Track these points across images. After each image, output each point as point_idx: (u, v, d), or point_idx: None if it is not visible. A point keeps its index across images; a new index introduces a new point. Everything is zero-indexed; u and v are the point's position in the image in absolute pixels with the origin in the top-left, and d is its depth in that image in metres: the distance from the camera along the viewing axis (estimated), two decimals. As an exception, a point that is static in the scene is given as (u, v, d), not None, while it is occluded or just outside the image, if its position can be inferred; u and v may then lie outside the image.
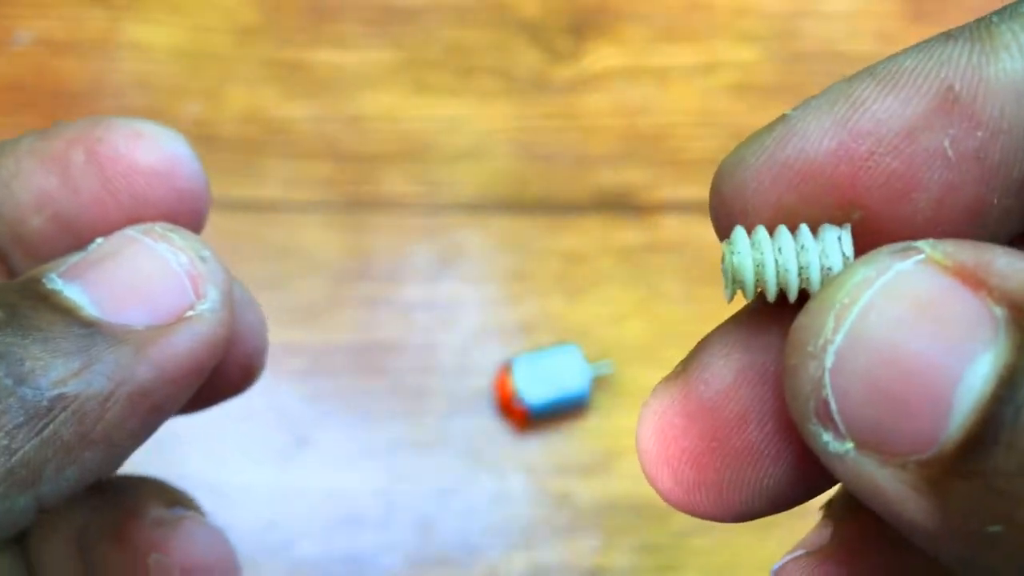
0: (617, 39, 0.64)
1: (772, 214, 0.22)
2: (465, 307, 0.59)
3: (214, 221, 0.60)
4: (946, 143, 0.21)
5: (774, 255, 0.22)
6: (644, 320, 0.58)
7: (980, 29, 0.22)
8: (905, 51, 0.22)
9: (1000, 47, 0.21)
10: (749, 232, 0.23)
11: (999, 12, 0.22)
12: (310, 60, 0.64)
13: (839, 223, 0.22)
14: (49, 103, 0.62)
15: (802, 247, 0.22)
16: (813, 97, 0.22)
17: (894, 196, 0.21)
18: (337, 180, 0.61)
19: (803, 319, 0.21)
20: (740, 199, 0.23)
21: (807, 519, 0.25)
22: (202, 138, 0.61)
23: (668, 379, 0.24)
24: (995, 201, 0.21)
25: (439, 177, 0.61)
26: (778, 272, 0.22)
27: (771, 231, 0.23)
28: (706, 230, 0.65)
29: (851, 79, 0.22)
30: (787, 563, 0.24)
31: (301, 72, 0.64)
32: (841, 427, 0.20)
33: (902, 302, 0.19)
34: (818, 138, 0.22)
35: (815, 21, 0.64)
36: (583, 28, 0.64)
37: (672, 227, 0.60)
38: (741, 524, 0.24)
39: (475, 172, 0.61)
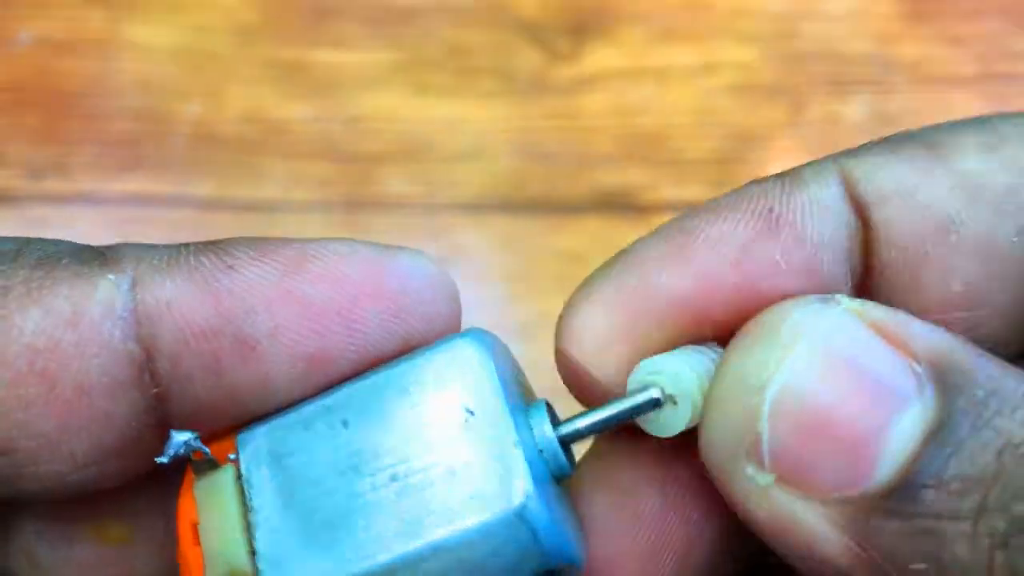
0: (616, 39, 0.64)
1: (628, 343, 0.23)
2: (465, 307, 0.58)
3: (214, 221, 0.60)
4: (777, 255, 0.22)
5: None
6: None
7: (790, 172, 0.24)
8: (724, 194, 0.24)
9: (809, 180, 0.23)
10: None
11: (801, 166, 0.24)
12: (310, 60, 0.64)
13: (694, 342, 0.23)
14: (49, 103, 0.62)
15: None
16: (649, 233, 0.24)
17: (738, 310, 0.22)
18: (337, 180, 0.61)
19: (742, 355, 0.22)
20: (592, 334, 0.23)
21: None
22: (202, 138, 0.61)
23: None
24: None
25: (438, 177, 0.61)
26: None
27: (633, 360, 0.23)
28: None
29: (680, 215, 0.24)
30: None
31: (301, 72, 0.63)
32: (767, 460, 0.21)
33: (836, 349, 0.21)
34: (657, 262, 0.23)
35: (814, 21, 0.64)
36: (583, 28, 0.64)
37: (672, 227, 0.60)
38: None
39: (475, 172, 0.61)
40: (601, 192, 0.61)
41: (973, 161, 0.23)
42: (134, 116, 0.62)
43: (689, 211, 0.24)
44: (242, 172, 0.61)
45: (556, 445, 0.23)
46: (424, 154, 0.62)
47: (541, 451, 0.22)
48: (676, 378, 0.22)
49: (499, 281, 0.59)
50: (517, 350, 0.59)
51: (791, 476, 0.21)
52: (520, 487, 0.21)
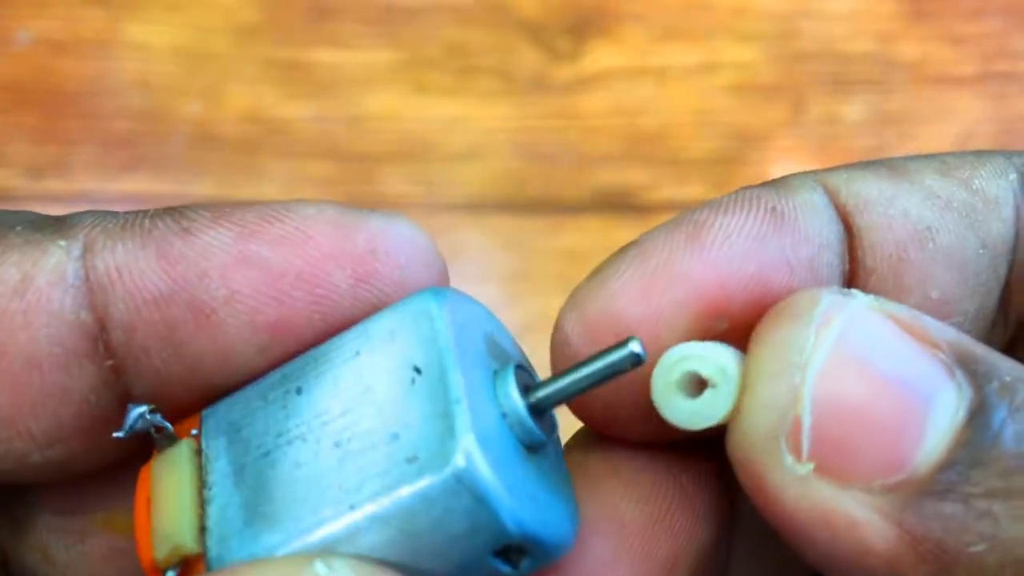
0: (617, 39, 0.64)
1: (643, 327, 0.22)
2: (465, 307, 0.58)
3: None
4: (788, 252, 0.23)
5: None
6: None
7: (774, 182, 0.24)
8: (717, 198, 0.24)
9: (797, 188, 0.24)
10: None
11: (779, 179, 0.25)
12: (310, 60, 0.64)
13: (704, 336, 0.22)
14: (48, 103, 0.62)
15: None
16: (654, 229, 0.23)
17: (752, 304, 0.22)
18: (337, 180, 0.61)
19: (777, 335, 0.21)
20: (607, 317, 0.22)
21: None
22: (202, 138, 0.61)
23: None
24: None
25: (439, 177, 0.61)
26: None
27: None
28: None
29: (683, 213, 0.23)
30: None
31: (301, 72, 0.63)
32: (805, 446, 0.20)
33: (865, 336, 0.20)
34: (675, 250, 0.22)
35: (815, 21, 0.64)
36: (583, 28, 0.64)
37: (672, 227, 0.60)
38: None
39: (475, 172, 0.61)
40: (601, 192, 0.61)
41: (934, 180, 0.24)
42: (134, 116, 0.62)
43: (688, 210, 0.24)
44: (242, 172, 0.61)
45: (521, 409, 0.20)
46: (424, 154, 0.62)
47: (505, 415, 0.20)
48: (715, 359, 0.21)
49: (499, 281, 0.59)
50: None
51: (831, 464, 0.20)
52: (460, 447, 0.19)
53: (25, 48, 0.63)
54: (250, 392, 0.22)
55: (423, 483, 0.19)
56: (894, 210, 0.24)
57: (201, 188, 0.60)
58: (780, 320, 0.21)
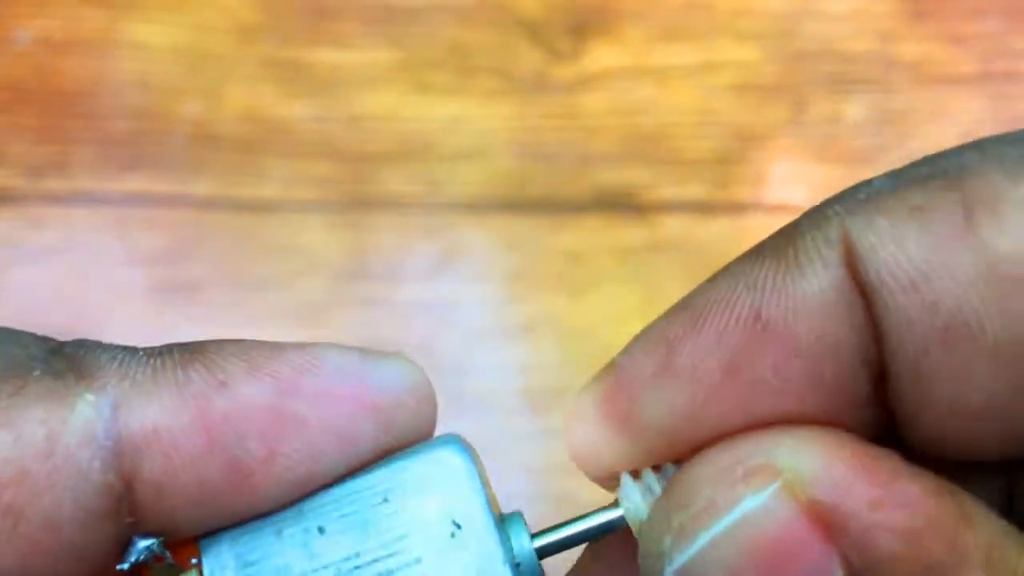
0: (617, 39, 0.64)
1: (619, 461, 0.22)
2: (465, 307, 0.58)
3: (214, 220, 0.60)
4: (768, 374, 0.20)
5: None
6: (645, 320, 0.58)
7: (788, 242, 0.20)
8: (720, 274, 0.21)
9: (805, 263, 0.20)
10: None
11: (809, 214, 0.21)
12: (310, 59, 0.64)
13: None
14: (49, 102, 0.62)
15: None
16: (638, 337, 0.22)
17: (730, 431, 0.20)
18: (337, 179, 0.61)
19: (653, 519, 0.20)
20: (589, 454, 0.22)
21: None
22: (202, 138, 0.61)
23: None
24: (846, 413, 0.20)
25: (439, 177, 0.61)
26: None
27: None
28: (707, 229, 0.64)
29: (669, 314, 0.21)
30: None
31: (301, 71, 0.63)
32: None
33: (745, 552, 0.18)
34: (641, 384, 0.21)
35: (815, 20, 0.64)
36: (583, 28, 0.64)
37: (673, 226, 0.60)
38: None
39: (475, 172, 0.61)
40: (602, 191, 0.61)
41: (1019, 234, 0.18)
42: (134, 115, 0.62)
43: (678, 306, 0.21)
44: (242, 172, 0.61)
45: (535, 559, 0.22)
46: (424, 153, 0.62)
47: (518, 564, 0.22)
48: (635, 509, 0.22)
49: (499, 281, 0.59)
50: (517, 350, 0.59)
51: None
52: None
53: (25, 48, 0.63)
54: (259, 526, 0.22)
55: None
56: (921, 298, 0.18)
57: (201, 188, 0.61)
58: (662, 502, 0.20)
